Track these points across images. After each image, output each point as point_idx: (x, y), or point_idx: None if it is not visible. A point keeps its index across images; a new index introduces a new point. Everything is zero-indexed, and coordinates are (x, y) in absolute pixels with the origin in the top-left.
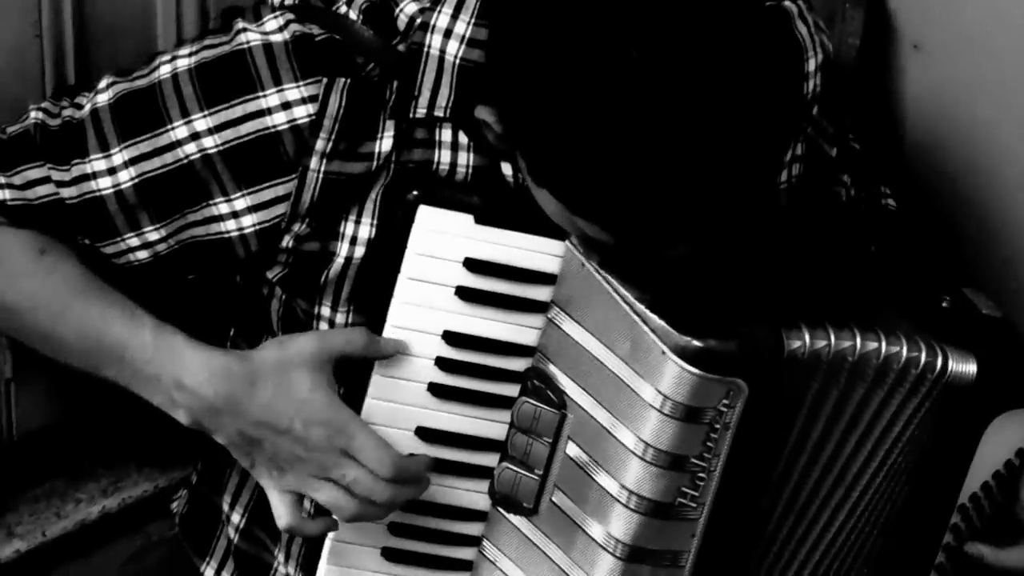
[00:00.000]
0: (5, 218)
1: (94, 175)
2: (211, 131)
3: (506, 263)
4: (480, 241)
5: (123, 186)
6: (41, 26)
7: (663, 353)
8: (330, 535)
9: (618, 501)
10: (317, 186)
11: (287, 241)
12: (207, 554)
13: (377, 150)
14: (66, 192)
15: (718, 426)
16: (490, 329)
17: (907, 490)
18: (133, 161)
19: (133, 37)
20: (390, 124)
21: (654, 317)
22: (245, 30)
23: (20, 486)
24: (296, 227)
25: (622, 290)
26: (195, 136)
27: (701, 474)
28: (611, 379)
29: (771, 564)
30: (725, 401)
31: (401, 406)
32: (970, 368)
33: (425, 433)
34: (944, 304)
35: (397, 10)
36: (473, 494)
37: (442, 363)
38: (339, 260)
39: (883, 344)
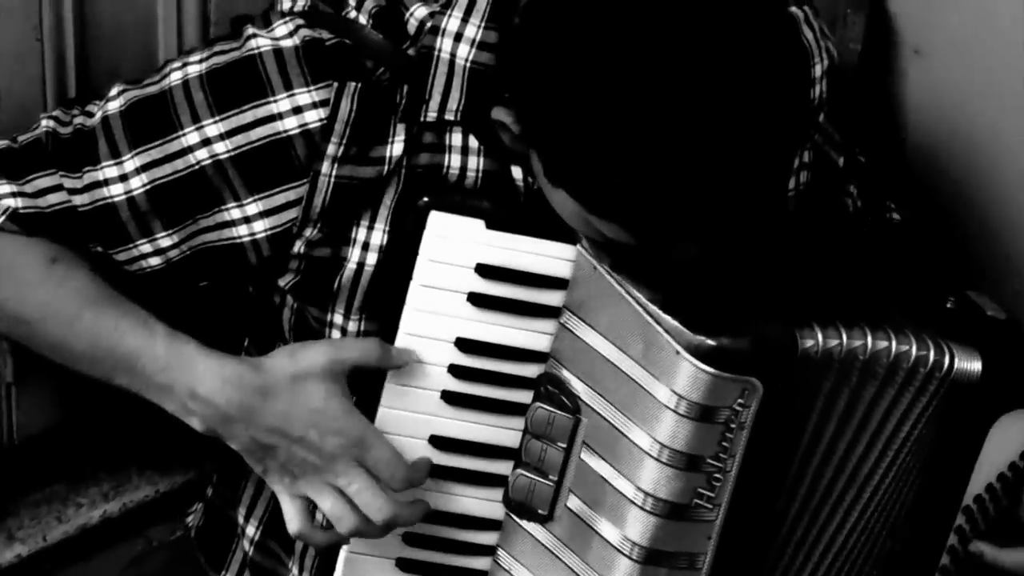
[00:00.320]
0: (17, 226)
1: (106, 182)
2: (222, 137)
3: (518, 268)
4: (491, 246)
5: (135, 193)
6: (42, 31)
7: (677, 353)
8: (345, 547)
9: (634, 503)
10: (328, 191)
11: (299, 247)
12: (223, 567)
13: (388, 154)
14: (78, 199)
15: (733, 426)
16: (503, 335)
17: (914, 490)
18: (145, 168)
19: (134, 43)
20: (401, 128)
21: (667, 317)
22: (255, 36)
23: (21, 490)
24: (308, 232)
25: (634, 292)
26: (206, 142)
27: (717, 475)
28: (625, 381)
29: (786, 566)
30: (740, 400)
31: (414, 414)
32: (975, 366)
33: (439, 441)
34: (949, 305)
35: (407, 14)
36: (487, 503)
37: (455, 370)
38: (351, 266)
39: (893, 343)
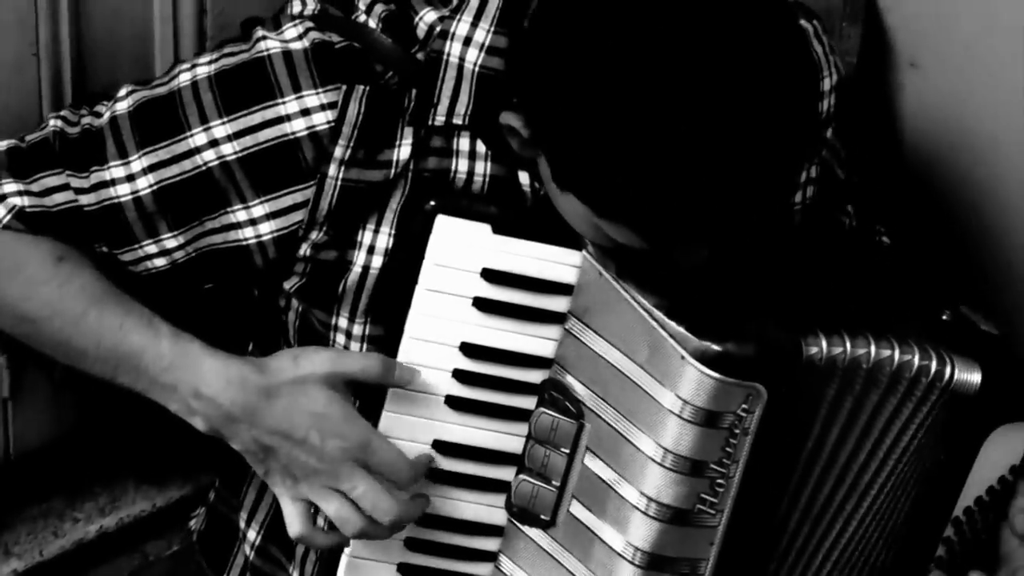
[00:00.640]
0: (23, 225)
1: (112, 182)
2: (230, 138)
3: (524, 273)
4: (498, 251)
5: (141, 193)
6: (39, 45)
7: (682, 358)
8: (346, 551)
9: (637, 509)
10: (335, 193)
11: (304, 249)
12: (224, 571)
13: (395, 158)
14: (84, 199)
15: (737, 431)
16: (508, 340)
17: (911, 500)
18: (152, 168)
19: (130, 56)
20: (408, 132)
21: (672, 323)
22: (265, 38)
23: (18, 505)
24: (314, 235)
25: (640, 298)
26: (214, 143)
27: (720, 480)
28: (630, 387)
29: (788, 572)
30: (744, 406)
31: (418, 419)
32: (975, 378)
33: (442, 446)
34: (944, 318)
35: (416, 18)
36: (490, 508)
37: (460, 375)
38: (356, 269)
39: (896, 352)
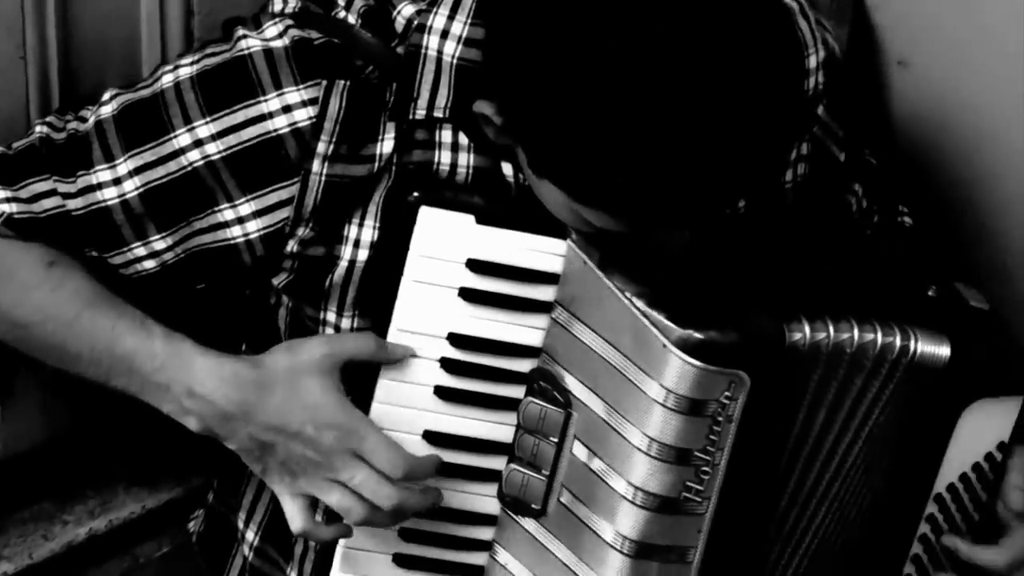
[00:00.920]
0: (13, 232)
1: (99, 186)
2: (214, 137)
3: (509, 263)
4: (482, 242)
5: (128, 196)
6: (25, 48)
7: (665, 347)
8: (341, 542)
9: (625, 498)
10: (320, 189)
11: (292, 246)
12: (224, 572)
13: (378, 152)
14: (72, 204)
15: (721, 419)
16: (495, 330)
17: (886, 476)
18: (138, 171)
19: (118, 58)
20: (391, 126)
21: (655, 312)
22: (245, 37)
23: (8, 508)
24: (300, 231)
25: (623, 287)
26: (198, 143)
27: (706, 468)
28: (616, 376)
29: (775, 560)
30: (727, 393)
31: (408, 410)
32: (943, 351)
33: (432, 437)
34: (930, 293)
35: (395, 13)
36: (482, 498)
37: (448, 365)
38: (343, 263)
39: (879, 335)
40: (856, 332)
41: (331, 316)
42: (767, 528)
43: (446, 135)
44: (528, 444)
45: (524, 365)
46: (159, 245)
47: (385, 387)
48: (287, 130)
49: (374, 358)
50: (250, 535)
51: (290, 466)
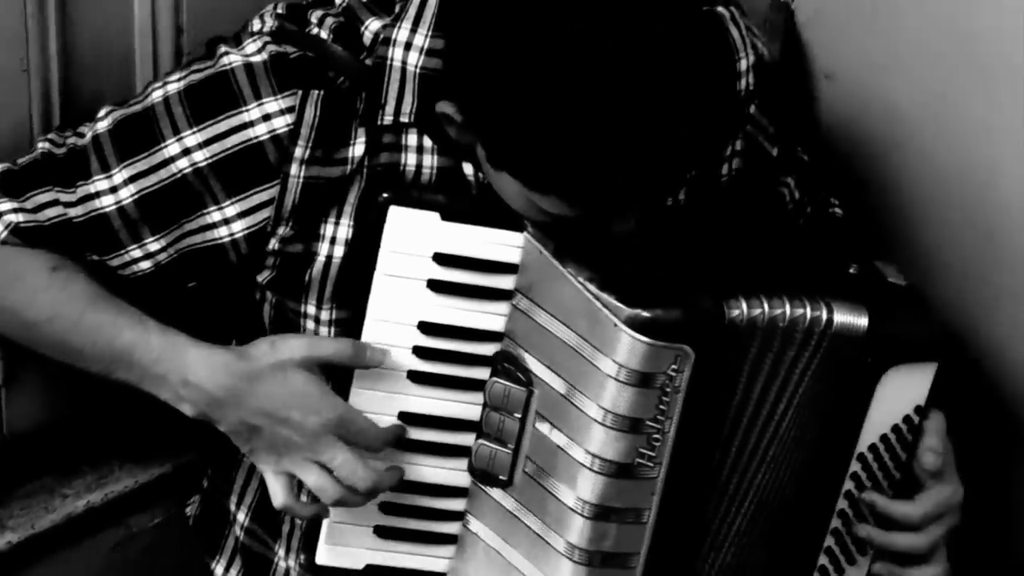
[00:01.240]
0: (19, 239)
1: (97, 194)
2: (200, 146)
3: (472, 256)
4: (447, 237)
5: (124, 202)
6: (28, 61)
7: (615, 326)
8: (326, 518)
9: (584, 466)
10: (298, 190)
11: (273, 244)
12: (217, 552)
13: (350, 155)
14: (73, 212)
15: (669, 390)
16: (461, 318)
17: (814, 439)
18: (132, 179)
19: (113, 71)
20: (361, 131)
21: (605, 294)
22: (227, 53)
23: (12, 483)
24: (281, 230)
25: (576, 272)
26: (187, 152)
27: (656, 436)
28: (572, 355)
29: (721, 517)
30: (674, 366)
31: (384, 393)
32: (861, 322)
33: (407, 417)
34: (852, 271)
35: (363, 28)
36: (454, 472)
37: (419, 351)
38: (321, 259)
39: (808, 309)
40: (788, 308)
41: (311, 309)
42: (712, 489)
43: (412, 139)
44: (494, 420)
45: (488, 349)
46: (153, 247)
47: (362, 374)
48: (267, 137)
49: (352, 363)
50: (241, 516)
51: (275, 447)
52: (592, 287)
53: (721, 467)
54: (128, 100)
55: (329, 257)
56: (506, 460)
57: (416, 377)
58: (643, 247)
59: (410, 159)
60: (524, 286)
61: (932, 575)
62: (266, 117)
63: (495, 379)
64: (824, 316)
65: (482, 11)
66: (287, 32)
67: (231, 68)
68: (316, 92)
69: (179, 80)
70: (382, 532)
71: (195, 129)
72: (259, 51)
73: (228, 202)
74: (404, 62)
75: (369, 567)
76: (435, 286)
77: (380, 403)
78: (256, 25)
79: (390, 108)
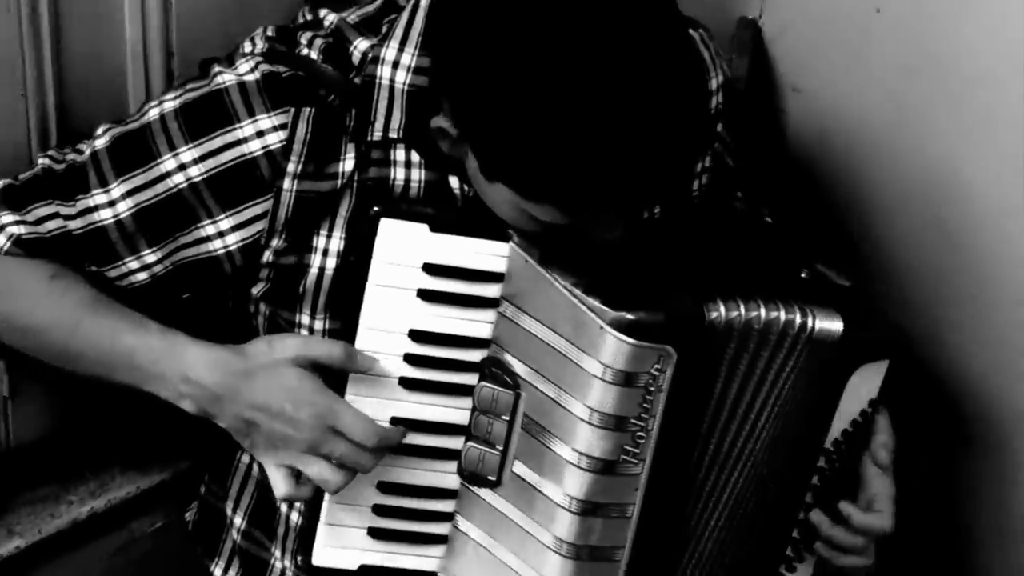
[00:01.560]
0: (21, 250)
1: (96, 208)
2: (196, 161)
3: (460, 265)
4: (436, 247)
5: (122, 216)
6: (26, 88)
7: (601, 328)
8: (322, 519)
9: (571, 463)
10: (291, 204)
11: (267, 256)
12: (216, 555)
13: (341, 170)
14: (73, 224)
15: (652, 388)
16: (450, 325)
17: (790, 439)
18: (130, 193)
19: (107, 97)
20: (351, 147)
21: (591, 299)
22: (221, 73)
23: (18, 490)
24: (274, 242)
25: (561, 278)
26: (182, 167)
27: (640, 433)
28: (558, 357)
29: (700, 512)
30: (657, 366)
31: (377, 399)
32: (837, 326)
33: (399, 422)
34: (804, 275)
35: (351, 47)
36: (444, 474)
37: (410, 358)
38: (314, 271)
39: (782, 312)
40: (763, 311)
41: (305, 319)
42: (692, 485)
43: (400, 154)
44: (483, 423)
45: (476, 355)
46: (150, 259)
47: (356, 379)
48: (260, 152)
49: (343, 366)
50: (238, 520)
51: (274, 441)
52: (577, 291)
53: (700, 463)
54: (124, 118)
55: (322, 268)
56: (495, 461)
57: (407, 383)
58: (623, 255)
59: (399, 173)
60: (510, 294)
61: (864, 564)
62: (259, 133)
63: (483, 383)
64: (799, 320)
65: (475, 26)
66: (278, 52)
67: (225, 87)
68: (308, 109)
69: (175, 98)
70: (375, 533)
71: (190, 145)
72: (252, 70)
73: (222, 216)
74: (392, 80)
75: (363, 567)
76: (425, 295)
77: (373, 409)
78: (248, 47)
79: (379, 124)
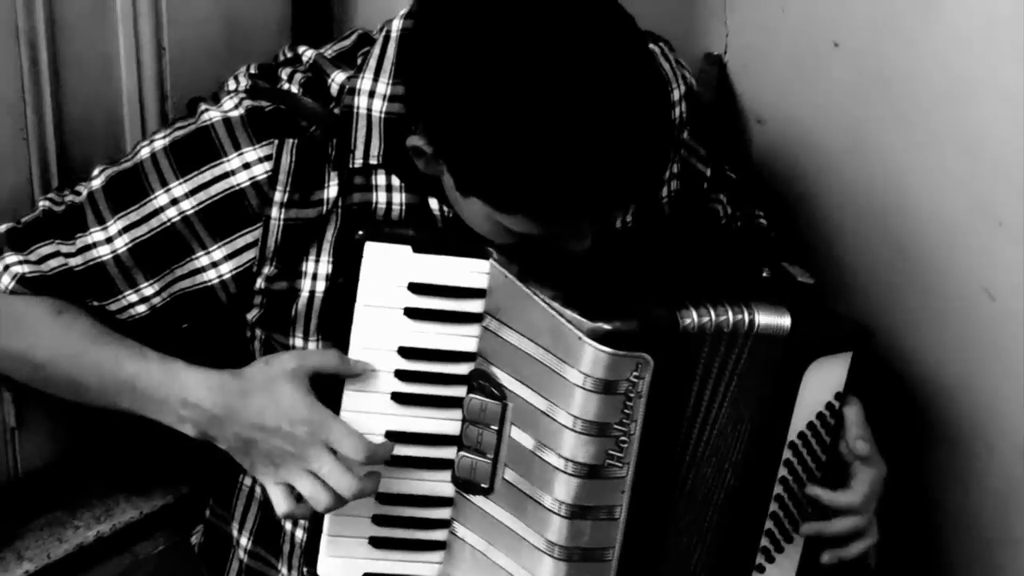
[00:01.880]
0: (25, 288)
1: (94, 245)
2: (187, 195)
3: (443, 283)
4: (420, 267)
5: (119, 251)
6: (27, 130)
7: (579, 339)
8: (324, 531)
9: (559, 470)
10: (279, 231)
11: (260, 283)
12: (223, 575)
13: (326, 197)
14: (73, 261)
15: (632, 395)
16: (437, 341)
17: (751, 432)
18: (126, 229)
19: (105, 139)
20: (334, 174)
21: (568, 311)
22: (207, 110)
23: (27, 516)
24: (266, 269)
25: (540, 292)
26: (174, 201)
27: (623, 438)
28: (541, 368)
29: (683, 508)
30: (635, 373)
31: (371, 415)
32: (784, 322)
33: (393, 435)
34: (765, 274)
35: (329, 80)
36: (439, 483)
37: (400, 374)
38: (304, 295)
39: (745, 314)
40: (730, 313)
41: (299, 341)
42: (674, 484)
43: (380, 178)
44: (473, 433)
45: (464, 368)
46: (148, 291)
47: (350, 397)
48: (248, 183)
49: (338, 371)
50: (244, 540)
51: (272, 459)
52: (556, 304)
53: (681, 462)
54: (119, 159)
55: (312, 292)
56: (486, 469)
57: (399, 398)
58: (598, 266)
59: (380, 197)
60: (492, 308)
61: (870, 543)
62: (246, 165)
63: (472, 395)
64: (747, 318)
65: (445, 46)
66: (260, 88)
67: (211, 123)
68: (291, 140)
69: (164, 137)
70: (376, 542)
71: (181, 180)
72: (236, 106)
73: (215, 246)
74: (369, 109)
75: (367, 575)
76: (411, 313)
77: (367, 424)
78: (232, 85)
79: (359, 152)
